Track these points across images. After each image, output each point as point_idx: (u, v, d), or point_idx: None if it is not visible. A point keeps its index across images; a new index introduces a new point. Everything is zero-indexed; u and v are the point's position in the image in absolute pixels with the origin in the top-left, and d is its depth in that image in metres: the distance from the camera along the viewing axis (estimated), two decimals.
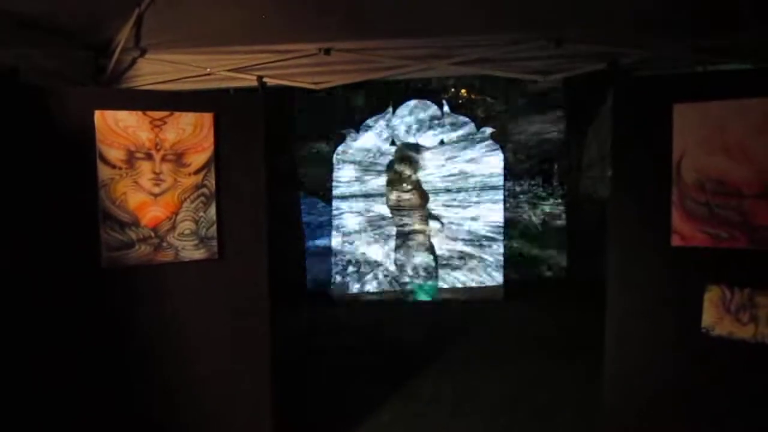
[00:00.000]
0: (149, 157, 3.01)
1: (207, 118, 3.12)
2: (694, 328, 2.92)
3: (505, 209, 8.02)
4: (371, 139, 7.94)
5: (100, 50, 3.71)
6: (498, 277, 7.92)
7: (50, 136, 2.84)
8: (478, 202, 7.97)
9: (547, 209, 8.07)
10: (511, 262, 8.06)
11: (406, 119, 7.93)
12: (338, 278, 7.95)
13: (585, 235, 7.69)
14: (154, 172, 3.02)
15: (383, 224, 8.02)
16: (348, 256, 7.97)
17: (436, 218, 7.93)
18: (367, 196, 8.01)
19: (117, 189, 2.94)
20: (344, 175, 7.96)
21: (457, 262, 7.97)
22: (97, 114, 2.89)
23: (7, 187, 2.75)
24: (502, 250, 7.97)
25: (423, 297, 7.86)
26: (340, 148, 7.94)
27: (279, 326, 3.51)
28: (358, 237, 7.98)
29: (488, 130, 7.95)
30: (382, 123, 7.93)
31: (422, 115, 7.94)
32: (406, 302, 7.86)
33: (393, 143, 7.95)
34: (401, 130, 7.94)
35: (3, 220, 2.75)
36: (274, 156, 3.62)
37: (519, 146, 8.05)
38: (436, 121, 7.93)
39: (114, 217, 2.95)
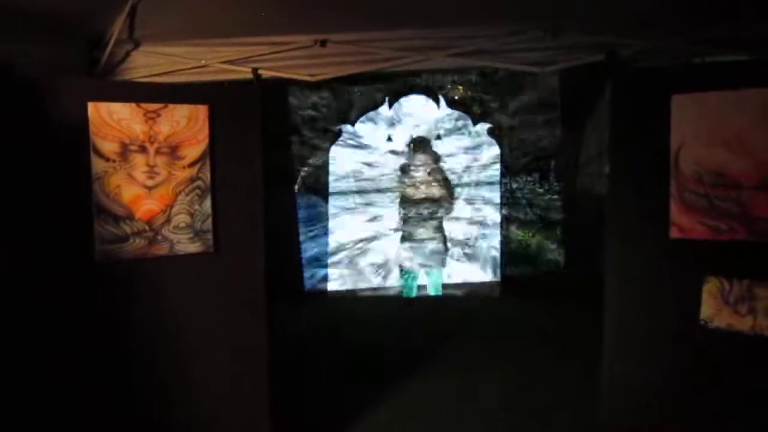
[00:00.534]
0: (143, 149, 3.00)
1: (202, 110, 3.11)
2: (692, 321, 2.92)
3: (502, 205, 8.03)
4: (368, 135, 7.93)
5: (94, 42, 3.70)
6: (495, 274, 7.93)
7: (43, 129, 2.82)
8: (475, 198, 7.98)
9: (544, 205, 8.05)
10: (508, 258, 8.07)
11: (403, 114, 7.93)
12: (335, 275, 7.94)
13: (582, 231, 7.67)
14: (148, 165, 3.01)
15: (381, 219, 8.01)
16: (345, 253, 7.96)
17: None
18: (364, 192, 8.00)
19: (111, 182, 2.93)
20: (341, 171, 7.95)
21: (455, 259, 7.99)
22: (91, 106, 2.87)
23: (0, 180, 2.74)
24: (499, 246, 7.98)
25: (413, 294, 7.88)
26: (335, 143, 7.93)
27: (276, 324, 3.50)
28: (355, 233, 7.98)
29: (485, 127, 7.96)
30: (378, 118, 7.93)
31: (419, 111, 7.94)
32: (403, 299, 7.85)
33: (389, 139, 7.95)
34: (398, 126, 7.94)
35: None
36: (271, 151, 3.59)
37: (516, 143, 8.02)
38: (432, 117, 7.93)
39: (108, 211, 2.93)
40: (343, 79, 4.12)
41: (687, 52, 3.59)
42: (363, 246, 7.99)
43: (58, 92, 2.88)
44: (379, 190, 8.01)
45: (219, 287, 3.22)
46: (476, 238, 8.00)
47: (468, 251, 8.01)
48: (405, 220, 7.94)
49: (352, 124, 7.96)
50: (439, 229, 7.96)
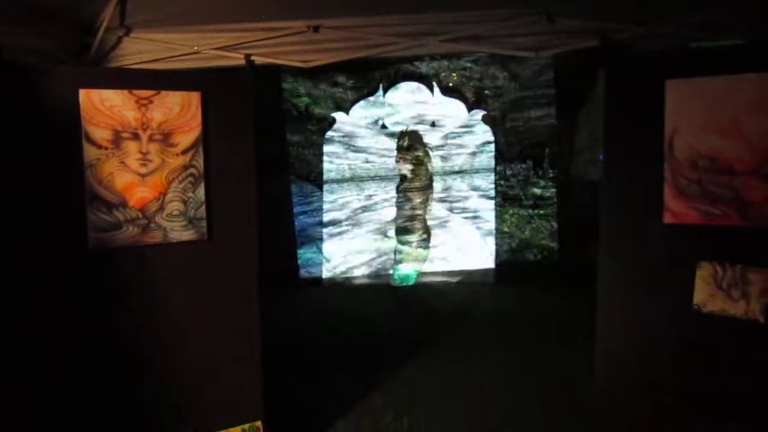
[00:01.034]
0: (136, 136, 2.98)
1: (194, 97, 3.09)
2: (686, 306, 2.94)
3: (496, 192, 8.05)
4: (361, 122, 7.92)
5: (85, 29, 3.66)
6: (489, 261, 7.97)
7: (35, 116, 2.80)
8: (469, 185, 8.00)
9: (538, 192, 8.07)
10: (502, 245, 8.10)
11: (396, 102, 7.92)
12: (329, 264, 7.96)
13: (577, 218, 7.71)
14: (141, 152, 2.99)
15: (375, 208, 8.02)
16: (339, 241, 7.97)
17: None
18: (357, 179, 8.00)
19: (103, 169, 2.91)
20: (334, 159, 7.94)
21: (448, 245, 8.02)
22: (83, 93, 2.85)
23: None
24: (493, 233, 8.00)
25: (407, 282, 7.92)
26: (329, 132, 7.92)
27: (270, 312, 3.50)
28: (349, 221, 7.99)
29: (479, 113, 7.95)
30: (371, 106, 7.91)
31: (413, 98, 7.93)
32: (396, 287, 7.87)
33: (384, 127, 7.94)
34: (392, 113, 7.93)
35: None
36: (264, 139, 3.58)
37: (510, 130, 8.02)
38: (426, 105, 7.92)
39: (101, 198, 2.92)
40: (337, 65, 4.09)
41: (681, 37, 3.58)
42: (356, 233, 8.00)
43: (49, 79, 2.85)
44: (373, 178, 8.01)
45: (213, 275, 3.21)
46: (470, 225, 8.02)
47: (462, 239, 8.03)
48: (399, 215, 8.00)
49: (346, 112, 7.94)
50: (424, 227, 8.02)
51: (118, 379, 3.04)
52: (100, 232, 2.93)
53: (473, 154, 8.01)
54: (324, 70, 6.50)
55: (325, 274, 7.99)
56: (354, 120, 7.95)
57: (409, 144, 7.96)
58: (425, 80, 7.94)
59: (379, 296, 7.46)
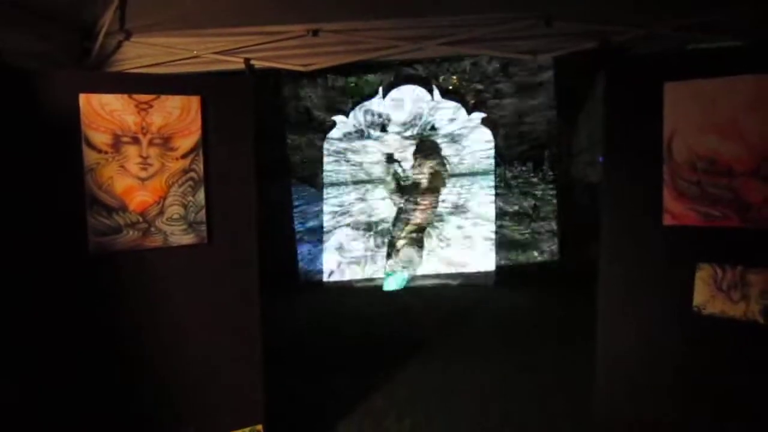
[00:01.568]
0: (136, 141, 2.98)
1: (194, 101, 3.09)
2: (685, 307, 2.94)
3: (496, 195, 8.05)
4: (361, 125, 7.93)
5: (85, 33, 3.67)
6: (490, 263, 7.96)
7: (34, 120, 2.80)
8: (469, 187, 8.00)
9: (538, 194, 8.07)
10: (502, 247, 8.09)
11: (396, 105, 7.92)
12: (329, 266, 7.96)
13: (576, 220, 7.71)
14: (141, 156, 3.00)
15: (375, 212, 8.03)
16: (338, 244, 7.98)
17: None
18: (358, 183, 8.01)
19: (103, 173, 2.91)
20: (334, 162, 7.95)
21: (448, 248, 8.02)
22: (82, 97, 2.85)
23: None
24: (493, 235, 8.00)
25: (405, 284, 7.92)
26: (330, 135, 7.93)
27: (270, 314, 3.50)
28: (349, 224, 7.99)
29: (479, 116, 7.95)
30: (371, 108, 7.92)
31: (413, 101, 7.94)
32: (395, 289, 7.87)
33: (383, 129, 7.94)
34: (391, 116, 7.93)
35: None
36: (264, 143, 3.58)
37: (510, 132, 8.02)
38: (426, 107, 7.93)
39: (101, 202, 2.92)
40: (337, 69, 4.09)
41: (680, 39, 3.59)
42: (357, 236, 8.01)
43: (49, 83, 2.85)
44: (371, 181, 8.01)
45: (213, 279, 3.21)
46: (470, 227, 8.01)
47: (462, 240, 8.03)
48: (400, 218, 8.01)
49: (346, 115, 7.94)
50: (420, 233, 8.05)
51: (118, 381, 3.03)
52: (100, 236, 2.93)
53: (473, 156, 8.00)
54: (324, 73, 6.51)
55: (325, 276, 7.98)
56: (354, 123, 7.95)
57: (426, 152, 7.96)
58: (425, 83, 7.95)
59: (379, 298, 7.46)
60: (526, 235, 8.13)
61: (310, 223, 8.01)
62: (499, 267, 7.99)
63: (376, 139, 7.98)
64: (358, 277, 8.02)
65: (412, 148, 8.00)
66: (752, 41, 3.37)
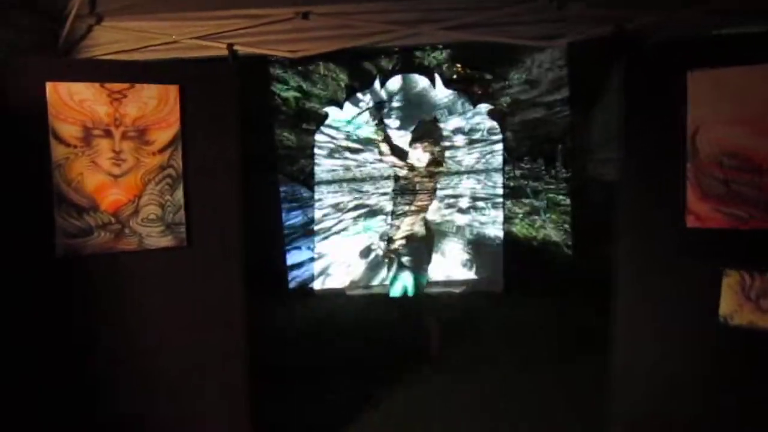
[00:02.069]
0: (108, 134, 2.98)
1: (172, 90, 3.09)
2: (710, 318, 2.93)
3: (505, 193, 8.04)
4: (356, 118, 7.93)
5: (53, 17, 3.65)
6: (498, 267, 7.95)
7: None
8: (475, 186, 8.00)
9: (550, 193, 8.06)
10: (512, 249, 8.07)
11: (395, 95, 7.92)
12: (320, 271, 7.95)
13: (592, 221, 7.71)
14: (113, 151, 2.99)
15: (371, 211, 8.03)
16: (331, 246, 7.97)
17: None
18: (351, 180, 8.00)
19: (73, 169, 2.91)
20: (326, 158, 7.94)
21: (454, 251, 8.02)
22: (49, 86, 2.85)
23: None
24: (502, 236, 7.99)
25: (406, 292, 7.92)
26: (321, 128, 7.91)
27: (258, 321, 3.50)
28: (342, 225, 7.99)
29: (486, 108, 7.94)
30: (367, 99, 7.92)
31: (412, 91, 7.93)
32: (395, 297, 7.86)
33: (381, 122, 7.94)
34: (390, 107, 7.93)
35: None
36: (250, 136, 3.57)
37: (519, 125, 8.01)
38: (428, 98, 7.92)
39: (70, 201, 2.92)
40: (328, 56, 4.08)
41: (704, 24, 3.57)
42: (351, 238, 8.01)
43: (12, 71, 2.85)
44: (363, 180, 8.01)
45: (193, 284, 3.21)
46: (478, 227, 8.01)
47: (469, 243, 8.03)
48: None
49: (340, 106, 7.93)
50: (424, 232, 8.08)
51: (91, 395, 3.04)
52: (70, 238, 2.93)
53: (479, 151, 7.99)
54: (314, 58, 6.49)
55: (317, 283, 7.97)
56: (348, 115, 7.93)
57: (425, 136, 7.95)
58: (426, 71, 7.93)
59: (377, 306, 7.45)
60: (538, 238, 8.12)
61: (300, 224, 8.00)
62: (507, 271, 7.97)
63: (372, 132, 7.96)
64: (352, 284, 7.99)
65: (409, 136, 8.00)
66: None
